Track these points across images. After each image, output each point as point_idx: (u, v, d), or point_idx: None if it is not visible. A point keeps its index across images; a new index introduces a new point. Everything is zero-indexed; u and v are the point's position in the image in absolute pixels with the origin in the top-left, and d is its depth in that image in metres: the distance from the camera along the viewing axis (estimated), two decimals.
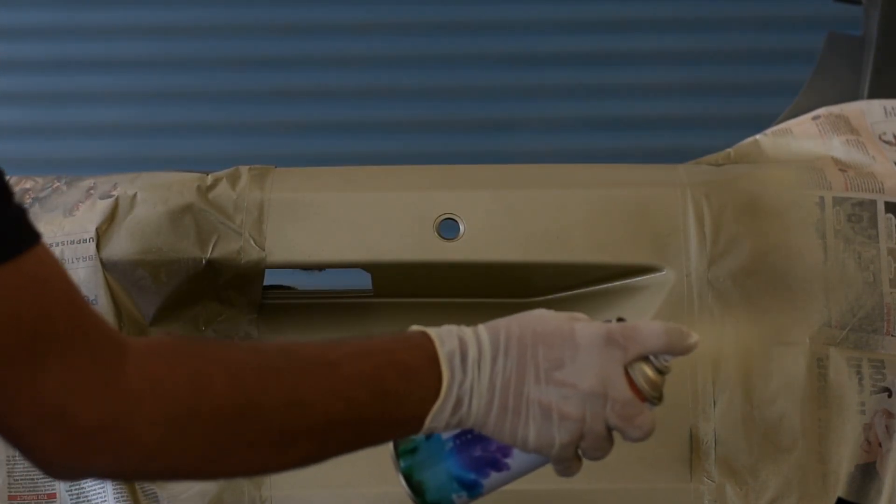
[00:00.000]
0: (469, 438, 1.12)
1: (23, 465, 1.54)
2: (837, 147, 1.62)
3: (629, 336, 1.10)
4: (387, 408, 1.05)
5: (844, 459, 1.51)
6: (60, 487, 1.53)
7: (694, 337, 1.12)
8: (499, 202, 1.60)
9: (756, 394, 1.53)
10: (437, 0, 3.51)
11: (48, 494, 1.53)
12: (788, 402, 1.52)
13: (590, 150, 3.39)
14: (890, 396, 1.51)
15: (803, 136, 1.66)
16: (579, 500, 1.54)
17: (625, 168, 1.68)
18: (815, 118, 1.68)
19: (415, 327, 1.09)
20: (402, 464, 1.14)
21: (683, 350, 1.12)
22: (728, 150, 1.69)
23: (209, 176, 1.61)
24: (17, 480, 1.53)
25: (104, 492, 1.51)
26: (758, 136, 1.70)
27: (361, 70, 3.49)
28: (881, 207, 1.56)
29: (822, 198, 1.57)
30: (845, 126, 1.65)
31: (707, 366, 1.54)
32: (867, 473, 1.51)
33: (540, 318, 1.09)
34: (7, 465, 1.54)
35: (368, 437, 1.07)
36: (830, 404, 1.52)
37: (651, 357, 1.11)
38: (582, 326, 1.09)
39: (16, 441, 0.96)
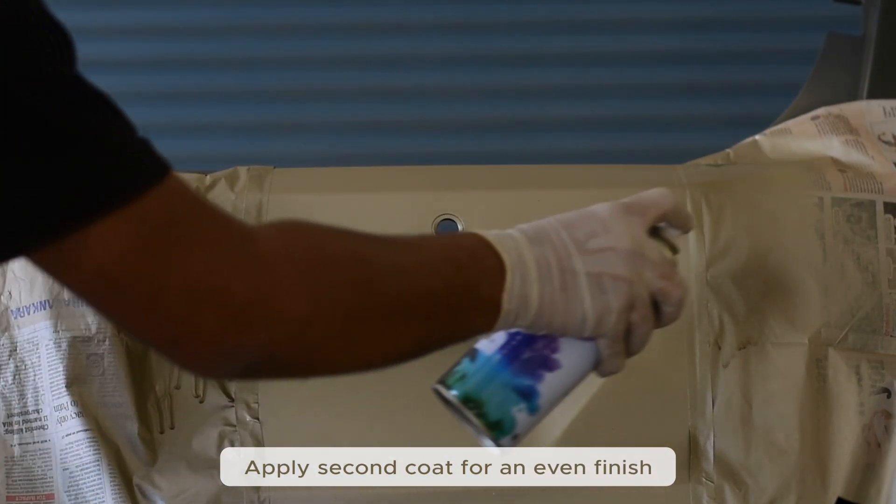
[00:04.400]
0: (514, 344, 1.14)
1: (21, 466, 1.54)
2: (837, 147, 1.62)
3: (643, 202, 1.15)
4: (469, 289, 1.07)
5: (843, 460, 1.51)
6: (59, 488, 1.53)
7: (690, 213, 1.20)
8: (497, 203, 1.60)
9: (755, 394, 1.53)
10: (437, 0, 3.50)
11: (46, 495, 1.53)
12: (787, 402, 1.52)
13: (589, 150, 3.39)
14: (889, 397, 1.51)
15: (802, 136, 1.66)
16: (579, 500, 1.54)
17: (624, 168, 1.68)
18: (814, 118, 1.68)
19: None
20: (456, 391, 1.14)
21: (687, 220, 1.18)
22: (727, 150, 1.69)
23: (208, 176, 1.61)
24: (15, 481, 1.54)
25: (102, 492, 1.52)
26: (757, 137, 1.70)
27: (361, 70, 3.49)
28: (880, 208, 1.56)
29: (821, 198, 1.57)
30: (844, 126, 1.65)
31: (706, 366, 1.54)
32: (866, 474, 1.51)
33: (556, 215, 1.14)
34: (6, 465, 1.54)
35: (460, 322, 1.08)
36: (829, 405, 1.52)
37: (662, 233, 1.17)
38: (597, 205, 1.14)
39: (170, 334, 0.94)
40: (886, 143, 1.64)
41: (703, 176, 1.61)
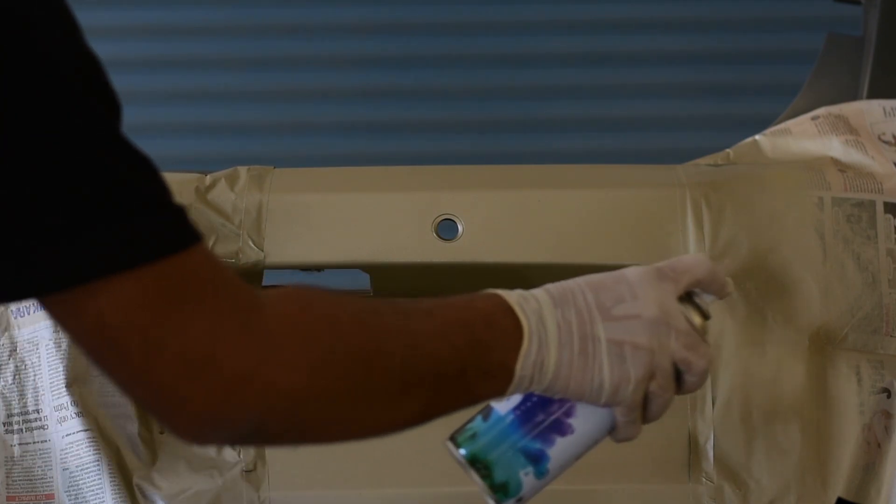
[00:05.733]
0: (529, 406, 1.13)
1: (21, 466, 1.54)
2: (837, 147, 1.62)
3: (677, 268, 1.13)
4: (480, 355, 1.05)
5: (843, 460, 1.51)
6: (58, 488, 1.53)
7: (728, 280, 1.16)
8: (498, 203, 1.60)
9: (755, 394, 1.53)
10: (438, 0, 3.50)
11: (46, 495, 1.53)
12: (787, 402, 1.52)
13: (589, 151, 3.39)
14: (889, 397, 1.51)
15: (802, 136, 1.66)
16: (579, 500, 1.54)
17: (624, 168, 1.68)
18: (814, 118, 1.68)
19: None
20: (464, 451, 1.14)
21: (723, 287, 1.15)
22: (727, 150, 1.69)
23: (208, 176, 1.61)
24: (16, 481, 1.54)
25: (102, 492, 1.52)
26: (757, 137, 1.70)
27: (361, 70, 3.49)
28: (880, 208, 1.56)
29: (821, 198, 1.57)
30: (844, 126, 1.65)
31: None
32: (866, 474, 1.51)
33: (585, 277, 1.12)
34: (6, 465, 1.54)
35: (468, 390, 1.06)
36: (829, 405, 1.52)
37: (695, 299, 1.14)
38: (629, 269, 1.13)
39: (159, 397, 0.93)
40: (886, 143, 1.64)
41: (703, 176, 1.61)
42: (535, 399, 1.12)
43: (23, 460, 1.54)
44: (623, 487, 1.54)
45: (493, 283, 1.61)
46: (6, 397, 1.54)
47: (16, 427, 1.54)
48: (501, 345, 1.06)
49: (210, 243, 1.57)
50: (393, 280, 1.60)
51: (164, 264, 0.90)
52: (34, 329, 1.54)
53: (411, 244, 1.57)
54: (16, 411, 1.54)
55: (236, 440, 0.98)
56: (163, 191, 0.92)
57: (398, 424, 1.05)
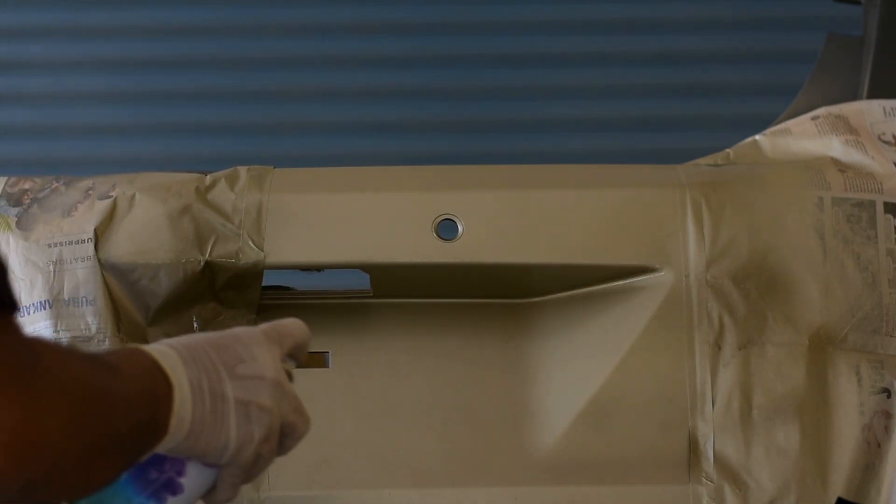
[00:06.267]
0: (143, 464, 1.11)
1: None
2: (837, 147, 1.62)
3: (281, 332, 1.14)
4: (150, 413, 1.03)
5: (843, 460, 1.51)
6: None
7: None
8: (498, 203, 1.60)
9: (754, 394, 1.53)
10: (437, 0, 3.50)
11: None
12: (787, 402, 1.52)
13: (589, 151, 3.39)
14: (889, 397, 1.51)
15: (802, 136, 1.66)
16: (579, 500, 1.54)
17: (624, 168, 1.68)
18: (814, 118, 1.68)
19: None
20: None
21: (306, 353, 1.16)
22: (727, 150, 1.69)
23: (208, 176, 1.61)
24: None
25: None
26: (757, 137, 1.70)
27: (361, 70, 3.49)
28: (880, 208, 1.56)
29: (821, 198, 1.57)
30: (844, 126, 1.65)
31: (705, 366, 1.54)
32: (866, 474, 1.51)
33: (202, 334, 1.11)
34: None
35: (143, 447, 1.04)
36: (829, 405, 1.52)
37: (284, 363, 1.14)
38: (239, 329, 1.12)
39: None
40: (886, 143, 1.64)
41: (703, 176, 1.61)
42: (148, 458, 1.10)
43: None
44: (623, 487, 1.54)
45: (492, 283, 1.61)
46: None
47: None
48: (160, 402, 1.04)
49: (210, 243, 1.57)
50: (393, 280, 1.60)
51: None
52: (34, 329, 1.54)
53: (411, 244, 1.57)
54: None
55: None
56: None
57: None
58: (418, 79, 3.50)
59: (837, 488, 1.50)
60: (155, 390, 1.03)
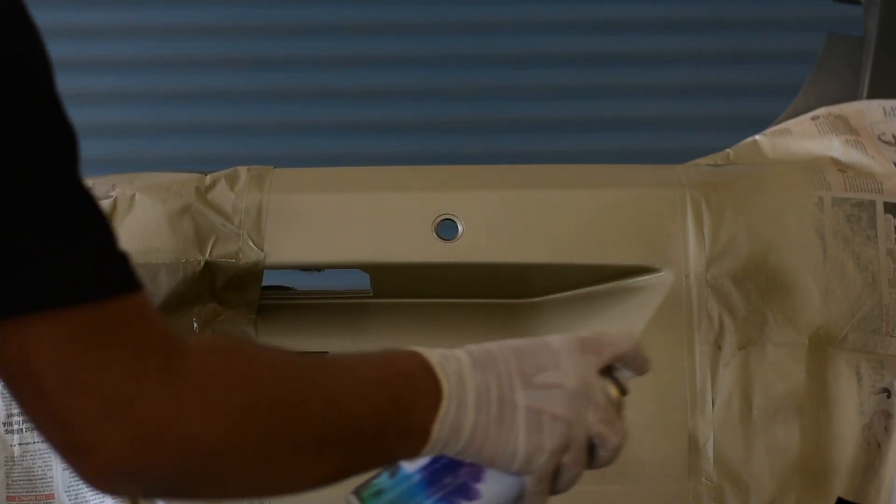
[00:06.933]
0: (437, 467, 1.10)
1: (21, 466, 1.54)
2: (837, 147, 1.62)
3: (602, 340, 1.11)
4: (398, 415, 1.03)
5: (843, 460, 1.51)
6: (59, 488, 1.53)
7: (649, 356, 1.13)
8: (498, 203, 1.60)
9: (755, 394, 1.53)
10: (437, 0, 3.50)
11: (46, 495, 1.53)
12: (787, 402, 1.52)
13: (589, 151, 3.39)
14: (889, 397, 1.51)
15: (802, 136, 1.66)
16: (579, 500, 1.54)
17: (624, 168, 1.68)
18: (814, 118, 1.68)
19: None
20: None
21: (644, 363, 1.13)
22: (727, 150, 1.69)
23: (208, 176, 1.61)
24: (15, 481, 1.54)
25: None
26: (757, 137, 1.70)
27: (361, 70, 3.49)
28: (880, 208, 1.56)
29: (821, 198, 1.57)
30: (844, 126, 1.65)
31: (706, 366, 1.54)
32: (866, 474, 1.51)
33: (510, 341, 1.10)
34: (6, 465, 1.54)
35: (384, 449, 1.05)
36: (829, 405, 1.52)
37: (615, 373, 1.12)
38: (553, 336, 1.11)
39: (71, 438, 0.91)
40: (886, 143, 1.64)
41: (703, 176, 1.61)
42: (444, 460, 1.10)
43: (23, 460, 1.54)
44: (623, 487, 1.54)
45: (492, 283, 1.61)
46: (6, 397, 1.54)
47: (16, 427, 1.54)
48: (420, 406, 1.04)
49: (210, 243, 1.57)
50: (393, 280, 1.60)
51: (95, 307, 0.89)
52: None
53: (411, 244, 1.57)
54: (16, 411, 1.54)
55: (149, 490, 0.96)
56: (109, 238, 0.92)
57: (313, 481, 1.03)
58: (418, 79, 3.49)
59: (837, 488, 1.50)
60: (406, 395, 1.03)
